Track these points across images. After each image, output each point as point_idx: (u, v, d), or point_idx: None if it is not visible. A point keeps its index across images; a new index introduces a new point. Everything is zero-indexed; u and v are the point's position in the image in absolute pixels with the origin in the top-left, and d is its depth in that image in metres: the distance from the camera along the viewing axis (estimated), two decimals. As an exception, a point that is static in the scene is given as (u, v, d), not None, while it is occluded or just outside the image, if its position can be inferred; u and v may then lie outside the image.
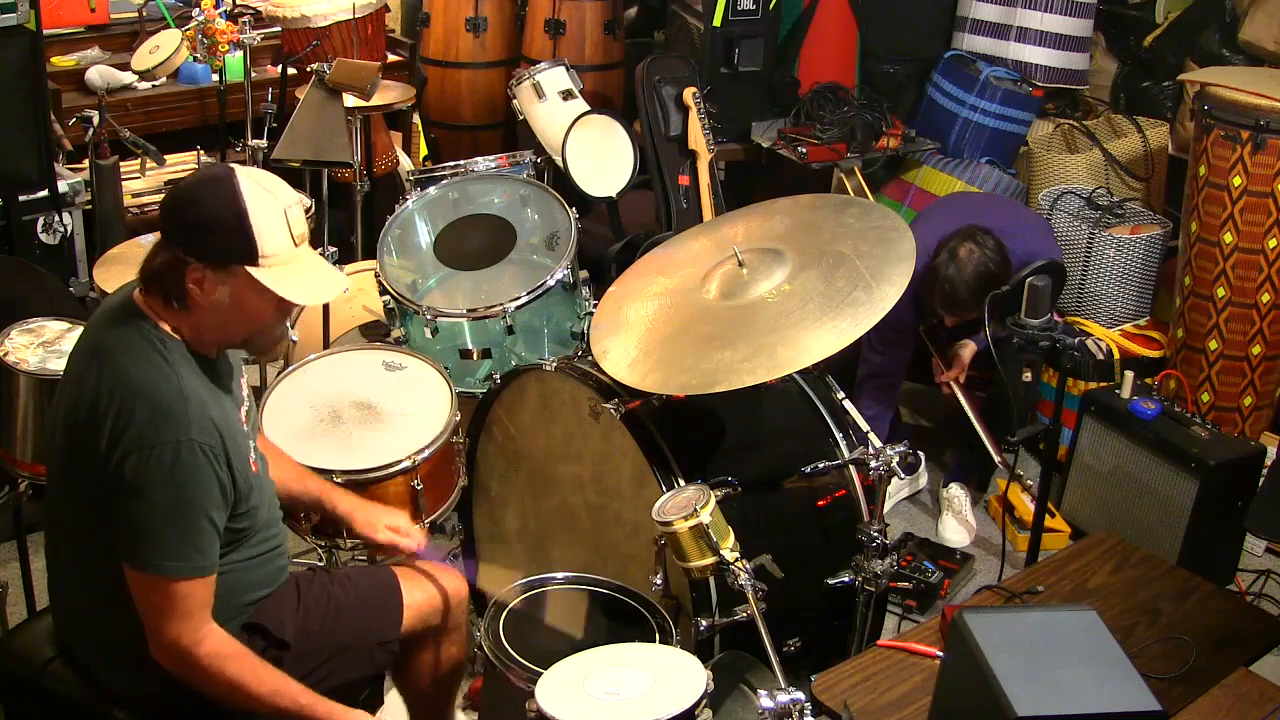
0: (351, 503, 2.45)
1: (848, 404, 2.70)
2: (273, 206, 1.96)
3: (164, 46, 4.05)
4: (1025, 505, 3.65)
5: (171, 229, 1.97)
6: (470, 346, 3.34)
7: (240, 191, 1.94)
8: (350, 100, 3.74)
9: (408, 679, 2.45)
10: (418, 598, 2.33)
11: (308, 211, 3.04)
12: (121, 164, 3.97)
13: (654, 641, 2.25)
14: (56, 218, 3.85)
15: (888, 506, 3.04)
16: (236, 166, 1.99)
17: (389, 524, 2.43)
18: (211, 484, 1.94)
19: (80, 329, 2.20)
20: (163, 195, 2.01)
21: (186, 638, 1.96)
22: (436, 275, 3.46)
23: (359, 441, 2.69)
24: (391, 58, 5.06)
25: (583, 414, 2.71)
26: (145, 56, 4.08)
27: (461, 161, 3.65)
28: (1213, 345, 3.85)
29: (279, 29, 4.56)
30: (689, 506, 2.24)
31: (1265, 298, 3.73)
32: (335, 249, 3.34)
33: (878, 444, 2.48)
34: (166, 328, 1.99)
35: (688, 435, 2.60)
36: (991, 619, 1.91)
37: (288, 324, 2.22)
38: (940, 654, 2.32)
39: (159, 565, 1.92)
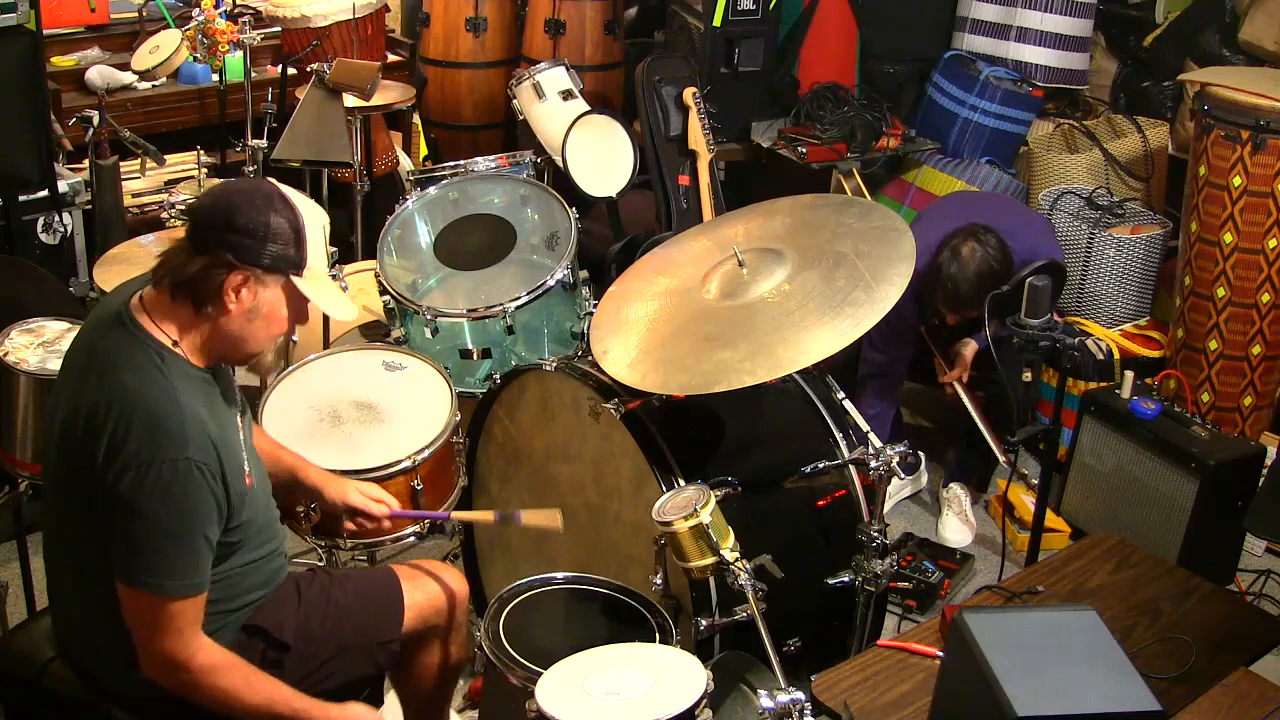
0: (322, 474, 2.45)
1: (848, 404, 2.70)
2: (315, 223, 2.05)
3: (164, 46, 4.05)
4: (1025, 505, 3.65)
5: (216, 235, 1.95)
6: (470, 346, 3.34)
7: (294, 204, 2.01)
8: (350, 100, 3.74)
9: (408, 679, 2.44)
10: (418, 598, 2.33)
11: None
12: (121, 164, 3.96)
13: (654, 641, 2.25)
14: (56, 218, 3.84)
15: (888, 506, 3.04)
16: (272, 180, 2.07)
17: (360, 489, 2.44)
18: (208, 502, 1.94)
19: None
20: (197, 202, 2.06)
21: (179, 653, 1.97)
22: (436, 275, 3.46)
23: (359, 441, 2.69)
24: (391, 58, 5.05)
25: (583, 414, 2.71)
26: (145, 56, 4.08)
27: (461, 161, 3.65)
28: (1213, 345, 3.85)
29: (279, 29, 4.56)
30: (689, 506, 2.24)
31: (1265, 298, 3.73)
32: (335, 249, 3.32)
33: (878, 444, 2.48)
34: (165, 341, 1.98)
35: (688, 435, 2.60)
36: (991, 619, 1.91)
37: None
38: (940, 654, 2.32)
39: (155, 584, 1.92)
